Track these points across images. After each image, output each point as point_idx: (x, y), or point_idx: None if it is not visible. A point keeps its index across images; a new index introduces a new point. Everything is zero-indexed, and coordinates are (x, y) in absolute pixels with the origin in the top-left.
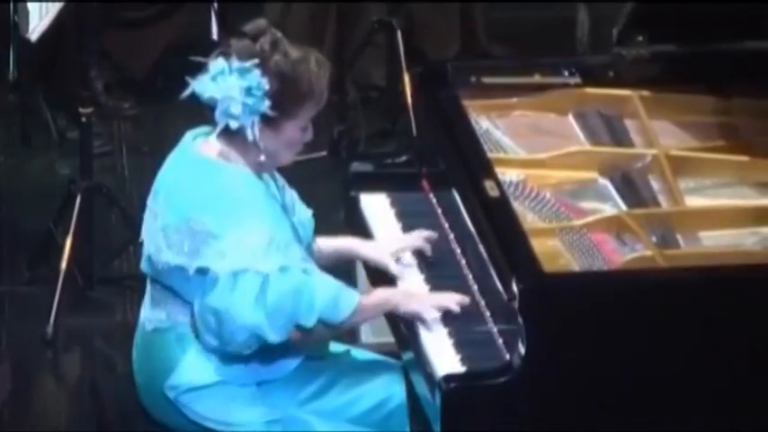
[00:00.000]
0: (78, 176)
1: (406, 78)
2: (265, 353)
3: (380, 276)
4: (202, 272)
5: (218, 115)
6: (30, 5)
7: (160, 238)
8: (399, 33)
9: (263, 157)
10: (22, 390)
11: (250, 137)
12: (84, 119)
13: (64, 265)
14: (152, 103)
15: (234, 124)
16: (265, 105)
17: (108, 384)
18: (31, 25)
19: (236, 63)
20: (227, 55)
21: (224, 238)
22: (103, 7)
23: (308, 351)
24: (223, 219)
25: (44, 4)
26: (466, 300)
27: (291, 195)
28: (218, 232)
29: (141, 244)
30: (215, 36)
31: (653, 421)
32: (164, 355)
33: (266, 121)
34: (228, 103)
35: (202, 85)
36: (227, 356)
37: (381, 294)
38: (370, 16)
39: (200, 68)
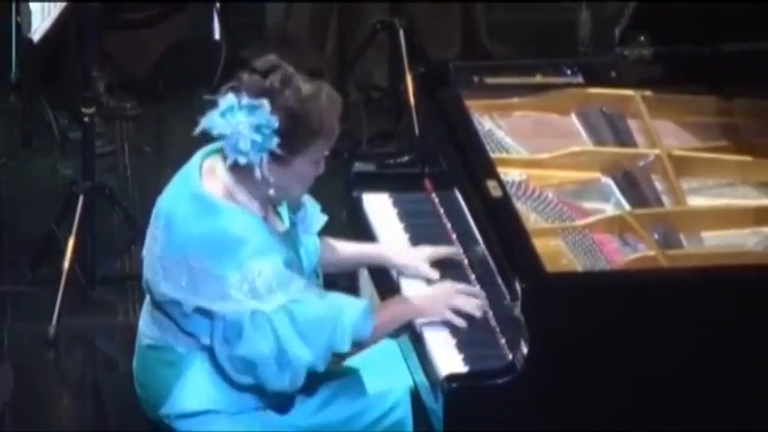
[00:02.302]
0: (80, 177)
1: (409, 79)
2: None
3: (388, 285)
4: (202, 312)
5: (227, 150)
6: (31, 6)
7: (158, 267)
8: (401, 34)
9: (272, 191)
10: (24, 390)
11: (258, 174)
12: (86, 119)
13: (66, 265)
14: (154, 103)
15: (242, 160)
16: (274, 143)
17: (110, 384)
18: (33, 26)
19: (245, 100)
20: (236, 90)
21: (225, 280)
22: (105, 8)
23: None
24: (223, 259)
25: (46, 5)
26: (480, 295)
27: (308, 214)
28: (219, 273)
29: (143, 244)
30: (217, 36)
31: (656, 421)
32: (158, 376)
33: (275, 157)
34: (237, 138)
35: (211, 121)
36: (221, 385)
37: (395, 306)
38: (372, 17)
39: (201, 70)
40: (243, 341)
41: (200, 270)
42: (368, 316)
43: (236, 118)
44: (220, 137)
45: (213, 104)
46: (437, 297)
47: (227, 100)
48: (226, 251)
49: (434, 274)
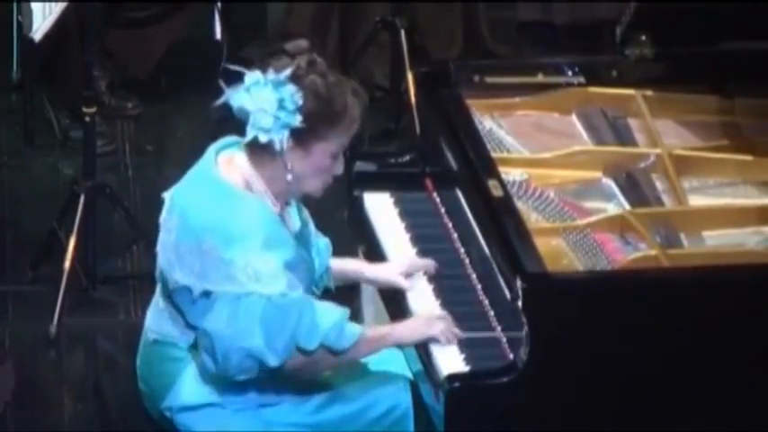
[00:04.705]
0: (81, 176)
1: (410, 78)
2: (265, 381)
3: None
4: (207, 294)
5: (249, 127)
6: (33, 5)
7: (173, 255)
8: (402, 33)
9: (289, 177)
10: (26, 389)
11: (278, 147)
12: (87, 118)
13: (67, 264)
14: (155, 102)
15: (264, 138)
16: (297, 119)
17: (111, 383)
18: (35, 25)
19: (271, 75)
20: (264, 69)
21: (233, 264)
22: (106, 7)
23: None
24: (233, 244)
25: (47, 3)
26: (460, 334)
27: (312, 226)
28: (228, 257)
29: (145, 243)
30: (218, 36)
31: (657, 421)
32: (163, 371)
33: (297, 138)
34: (260, 115)
35: (236, 96)
36: (223, 379)
37: (381, 330)
38: (373, 16)
39: (202, 70)
40: (210, 315)
41: (210, 255)
42: (344, 328)
43: (262, 93)
44: (242, 112)
45: (239, 78)
46: (421, 325)
47: (253, 75)
48: (237, 237)
49: (405, 285)
